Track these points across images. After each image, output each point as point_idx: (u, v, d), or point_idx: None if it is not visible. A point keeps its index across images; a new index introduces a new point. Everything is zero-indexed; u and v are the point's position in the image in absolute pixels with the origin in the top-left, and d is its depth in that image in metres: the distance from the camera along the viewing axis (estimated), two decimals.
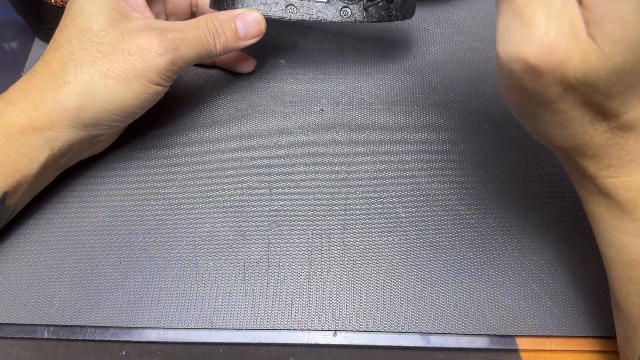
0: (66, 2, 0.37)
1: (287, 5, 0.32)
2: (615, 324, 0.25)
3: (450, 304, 0.29)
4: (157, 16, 0.36)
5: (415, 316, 0.29)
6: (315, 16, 0.32)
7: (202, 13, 0.36)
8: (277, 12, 0.32)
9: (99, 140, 0.32)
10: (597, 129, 0.20)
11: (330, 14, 0.32)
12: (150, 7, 0.35)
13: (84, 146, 0.31)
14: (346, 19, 0.33)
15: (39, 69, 0.29)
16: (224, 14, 0.31)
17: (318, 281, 0.30)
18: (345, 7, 0.32)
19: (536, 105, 0.20)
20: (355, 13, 0.33)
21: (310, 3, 0.32)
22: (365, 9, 0.33)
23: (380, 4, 0.33)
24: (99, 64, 0.28)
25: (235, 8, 0.32)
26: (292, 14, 0.32)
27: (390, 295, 0.30)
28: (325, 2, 0.32)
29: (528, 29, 0.18)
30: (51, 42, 0.30)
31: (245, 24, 0.32)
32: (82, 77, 0.28)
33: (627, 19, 0.16)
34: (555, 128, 0.21)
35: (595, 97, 0.19)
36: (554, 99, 0.19)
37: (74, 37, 0.29)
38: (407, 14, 0.34)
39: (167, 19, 0.37)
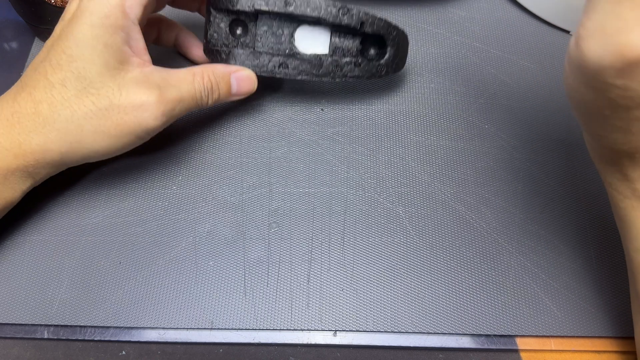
0: (66, 2, 0.37)
1: (280, 64, 0.32)
2: (635, 327, 0.25)
3: (450, 304, 0.29)
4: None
5: (416, 316, 0.29)
6: (306, 74, 0.33)
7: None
8: (269, 68, 0.32)
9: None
10: None
11: (323, 71, 0.33)
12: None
13: (59, 169, 0.31)
14: (337, 78, 0.33)
15: (24, 103, 0.27)
16: (221, 69, 0.31)
17: (318, 281, 0.30)
18: (336, 64, 0.33)
19: (613, 109, 0.19)
20: (346, 71, 0.33)
21: (301, 61, 0.32)
22: (357, 66, 0.33)
23: (373, 61, 0.34)
24: (92, 117, 0.27)
25: (228, 63, 0.33)
26: (284, 71, 0.32)
27: (391, 295, 0.30)
28: (316, 63, 0.33)
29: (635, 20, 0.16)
30: (42, 76, 0.28)
31: (238, 81, 0.32)
32: (72, 127, 0.27)
33: None
34: (621, 131, 0.20)
35: None
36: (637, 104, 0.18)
37: (70, 82, 0.27)
38: (398, 68, 0.35)
39: (174, 6, 0.36)
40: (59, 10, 0.36)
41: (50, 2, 0.37)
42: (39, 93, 0.27)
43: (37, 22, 0.39)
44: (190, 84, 0.30)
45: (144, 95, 0.28)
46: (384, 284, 0.30)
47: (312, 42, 0.33)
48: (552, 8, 0.40)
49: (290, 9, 0.31)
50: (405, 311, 0.29)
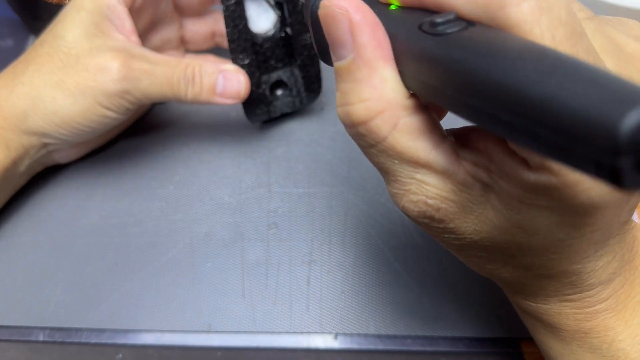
0: (63, 0, 0.36)
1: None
2: None
3: (453, 307, 0.29)
4: (168, 42, 0.35)
5: (418, 319, 0.29)
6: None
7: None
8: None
9: (56, 149, 0.32)
10: (509, 272, 0.19)
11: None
12: (161, 31, 0.34)
13: (39, 153, 0.31)
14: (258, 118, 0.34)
15: (9, 67, 0.30)
16: (212, 65, 0.30)
17: (318, 283, 0.30)
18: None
19: (443, 244, 0.19)
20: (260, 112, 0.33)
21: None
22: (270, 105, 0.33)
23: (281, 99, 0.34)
24: (56, 73, 0.28)
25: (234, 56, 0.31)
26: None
27: (393, 298, 0.29)
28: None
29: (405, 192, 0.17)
30: (35, 44, 0.30)
31: (225, 82, 0.30)
32: (36, 81, 0.28)
33: None
34: (465, 262, 0.20)
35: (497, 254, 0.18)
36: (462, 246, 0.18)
37: (46, 42, 0.29)
38: (311, 99, 0.35)
39: (186, 47, 0.36)
40: (54, 8, 0.36)
41: None
42: (22, 55, 0.30)
43: (33, 19, 0.39)
44: (169, 67, 0.29)
45: (110, 59, 0.28)
46: (386, 286, 0.30)
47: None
48: None
49: None
50: (407, 314, 0.29)
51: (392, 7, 0.17)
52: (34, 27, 0.40)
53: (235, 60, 0.30)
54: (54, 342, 0.29)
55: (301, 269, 0.30)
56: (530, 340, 0.28)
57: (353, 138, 0.17)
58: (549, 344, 0.21)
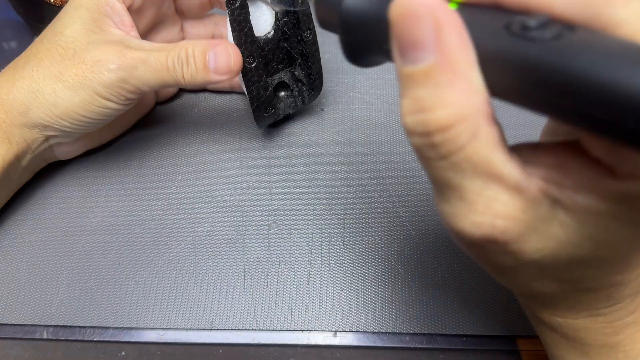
0: (65, 2, 0.36)
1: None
2: None
3: (450, 305, 0.29)
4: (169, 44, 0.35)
5: (416, 317, 0.29)
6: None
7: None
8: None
9: (58, 144, 0.32)
10: (551, 288, 0.18)
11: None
12: (162, 33, 0.34)
13: (41, 147, 0.31)
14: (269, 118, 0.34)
15: (12, 62, 0.30)
16: (202, 44, 0.29)
17: (318, 281, 0.30)
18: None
19: (489, 267, 0.18)
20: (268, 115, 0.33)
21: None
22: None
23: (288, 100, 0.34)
24: (55, 66, 0.28)
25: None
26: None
27: (391, 296, 0.30)
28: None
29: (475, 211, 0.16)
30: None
31: (216, 57, 0.29)
32: (36, 74, 0.29)
33: None
34: (505, 281, 0.19)
35: (553, 272, 0.17)
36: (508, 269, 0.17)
37: (46, 38, 0.30)
38: (312, 96, 0.35)
39: None
40: (57, 10, 0.36)
41: (50, 1, 0.37)
42: (23, 53, 0.30)
43: (37, 21, 0.39)
44: (164, 52, 0.29)
45: (106, 51, 0.28)
46: (385, 284, 0.30)
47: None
48: None
49: None
50: (405, 312, 0.29)
51: (452, 5, 0.15)
52: (37, 29, 0.40)
53: (242, 64, 0.31)
54: (57, 340, 0.29)
55: (301, 268, 0.31)
56: (526, 337, 0.29)
57: (420, 149, 0.15)
58: (570, 358, 0.21)
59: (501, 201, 0.15)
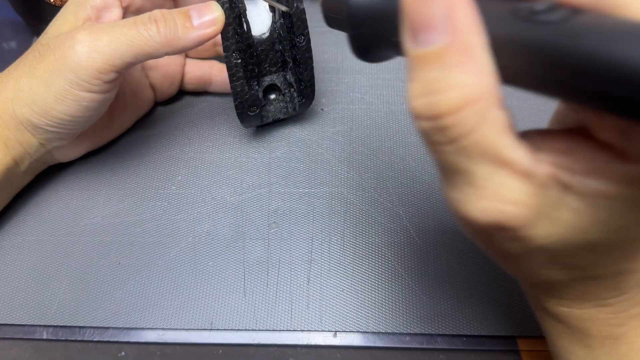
0: (65, 2, 0.36)
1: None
2: None
3: (451, 305, 0.29)
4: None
5: (416, 317, 0.29)
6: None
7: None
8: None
9: (55, 148, 0.31)
10: (559, 275, 0.18)
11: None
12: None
13: (39, 152, 0.31)
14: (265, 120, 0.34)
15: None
16: (180, 8, 0.28)
17: (318, 282, 0.30)
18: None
19: (496, 254, 0.18)
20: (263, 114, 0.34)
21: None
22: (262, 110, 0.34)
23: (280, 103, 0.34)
24: (32, 63, 0.28)
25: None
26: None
27: (391, 296, 0.30)
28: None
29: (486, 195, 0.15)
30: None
31: (198, 12, 0.28)
32: (16, 74, 0.29)
33: None
34: (512, 268, 0.19)
35: (563, 258, 0.17)
36: (518, 254, 0.17)
37: (36, 41, 0.30)
38: (304, 105, 0.35)
39: (187, 54, 0.37)
40: (57, 10, 0.36)
41: (50, 1, 0.37)
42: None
43: (36, 21, 0.39)
44: (132, 19, 0.27)
45: (74, 35, 0.27)
46: (385, 284, 0.30)
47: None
48: None
49: None
50: (406, 312, 0.29)
51: None
52: (37, 29, 0.40)
53: (227, 58, 0.30)
54: (57, 340, 0.29)
55: (301, 268, 0.31)
56: (527, 337, 0.29)
57: (428, 133, 0.15)
58: (573, 349, 0.21)
59: (510, 187, 0.15)
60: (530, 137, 0.16)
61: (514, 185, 0.15)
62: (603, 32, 0.12)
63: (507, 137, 0.14)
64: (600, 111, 0.14)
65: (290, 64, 0.33)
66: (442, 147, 0.15)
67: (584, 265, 0.17)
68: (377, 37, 0.18)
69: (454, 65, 0.14)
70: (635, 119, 0.12)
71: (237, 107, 0.32)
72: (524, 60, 0.14)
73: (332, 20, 0.21)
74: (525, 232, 0.15)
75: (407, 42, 0.15)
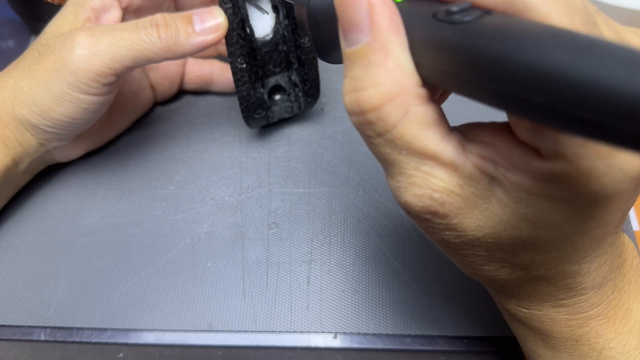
0: (64, 1, 0.36)
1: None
2: None
3: (452, 306, 0.29)
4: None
5: (417, 318, 0.29)
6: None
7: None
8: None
9: (55, 148, 0.31)
10: (505, 274, 0.18)
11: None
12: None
13: (39, 152, 0.31)
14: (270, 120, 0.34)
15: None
16: (184, 12, 0.28)
17: (318, 283, 0.30)
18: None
19: (438, 243, 0.19)
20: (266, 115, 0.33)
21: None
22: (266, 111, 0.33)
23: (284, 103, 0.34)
24: (32, 64, 0.28)
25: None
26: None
27: (392, 297, 0.29)
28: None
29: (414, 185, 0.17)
30: None
31: (201, 17, 0.27)
32: (16, 74, 0.28)
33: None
34: (458, 262, 0.19)
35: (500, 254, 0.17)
36: (457, 246, 0.18)
37: (39, 41, 0.29)
38: (309, 104, 0.34)
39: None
40: (56, 8, 0.36)
41: (48, 0, 0.37)
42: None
43: (35, 20, 0.39)
44: (134, 23, 0.27)
45: (74, 36, 0.27)
46: (386, 285, 0.30)
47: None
48: None
49: None
50: (407, 313, 0.29)
51: (397, 1, 0.16)
52: (36, 28, 0.40)
53: (232, 63, 0.30)
54: (55, 342, 0.29)
55: (301, 269, 0.30)
56: None
57: (359, 128, 0.16)
58: (538, 351, 0.21)
59: (438, 177, 0.16)
60: (463, 130, 0.17)
61: (442, 176, 0.16)
62: (505, 33, 0.12)
63: (430, 130, 0.15)
64: (509, 112, 0.14)
65: (295, 65, 0.33)
66: (372, 139, 0.16)
67: (526, 265, 0.17)
68: (334, 38, 0.19)
69: (374, 64, 0.15)
70: (535, 119, 0.12)
71: (243, 111, 0.32)
72: (441, 59, 0.14)
73: (301, 22, 0.22)
74: (457, 220, 0.16)
75: (341, 41, 0.16)
